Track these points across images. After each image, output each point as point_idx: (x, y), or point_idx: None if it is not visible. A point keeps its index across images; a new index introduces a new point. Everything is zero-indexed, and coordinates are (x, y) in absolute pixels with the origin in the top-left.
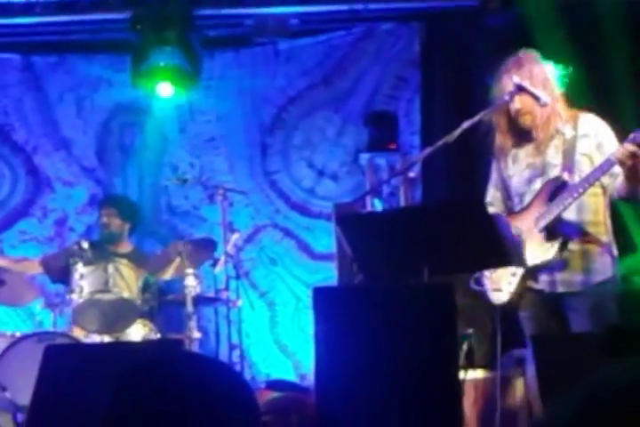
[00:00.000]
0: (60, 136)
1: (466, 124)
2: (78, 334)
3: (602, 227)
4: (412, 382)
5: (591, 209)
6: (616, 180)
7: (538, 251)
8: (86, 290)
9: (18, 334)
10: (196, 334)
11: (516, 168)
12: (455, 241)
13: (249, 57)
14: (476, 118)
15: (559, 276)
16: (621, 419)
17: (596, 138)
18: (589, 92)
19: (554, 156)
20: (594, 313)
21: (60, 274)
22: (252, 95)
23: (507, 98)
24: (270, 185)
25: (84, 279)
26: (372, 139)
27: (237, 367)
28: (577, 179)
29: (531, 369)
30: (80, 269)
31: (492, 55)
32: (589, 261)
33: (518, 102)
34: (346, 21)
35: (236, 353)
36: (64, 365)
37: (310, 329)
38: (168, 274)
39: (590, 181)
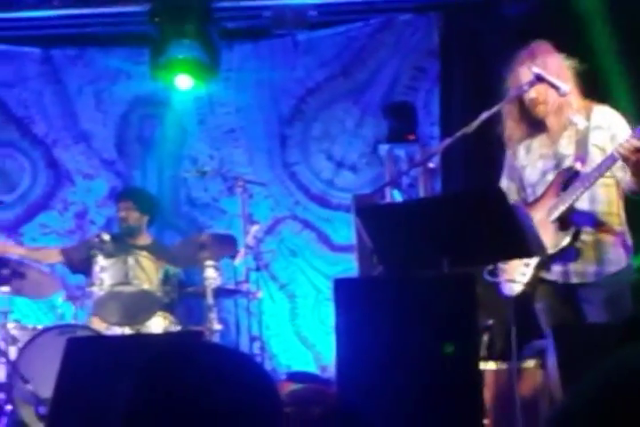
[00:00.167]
0: (80, 129)
1: (485, 115)
2: (99, 326)
3: (615, 217)
4: (433, 373)
5: (604, 200)
6: (626, 174)
7: (551, 241)
8: (107, 282)
9: (39, 327)
10: (217, 326)
11: (530, 158)
12: (475, 232)
13: (267, 49)
14: (495, 109)
15: (572, 266)
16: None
17: (609, 130)
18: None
19: (566, 146)
20: (608, 304)
21: (80, 265)
22: (270, 87)
23: (526, 88)
24: (290, 177)
25: (105, 272)
26: (391, 130)
27: (258, 359)
28: (589, 170)
29: (551, 360)
30: (101, 261)
31: (511, 45)
32: (603, 251)
33: (534, 92)
34: (364, 12)
35: (257, 345)
36: (86, 357)
37: (330, 321)
38: (188, 265)
39: (601, 170)
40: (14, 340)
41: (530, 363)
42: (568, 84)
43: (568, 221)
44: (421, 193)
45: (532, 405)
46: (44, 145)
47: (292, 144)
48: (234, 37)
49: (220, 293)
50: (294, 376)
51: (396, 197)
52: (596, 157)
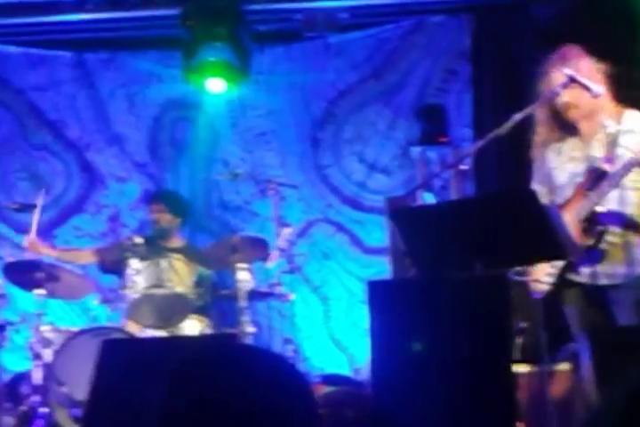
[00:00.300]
0: (113, 132)
1: (517, 117)
2: (133, 329)
3: None
4: (467, 375)
5: (634, 202)
6: None
7: (580, 241)
8: (140, 285)
9: (74, 330)
10: (250, 329)
11: (560, 161)
12: (508, 233)
13: (299, 51)
14: (528, 110)
15: (600, 268)
16: None
17: None
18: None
19: (598, 149)
20: (638, 306)
21: (112, 266)
22: (302, 89)
23: (558, 90)
24: (322, 179)
25: (139, 275)
26: (423, 132)
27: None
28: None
29: (585, 363)
30: (134, 264)
31: (542, 47)
32: (631, 252)
33: (567, 95)
34: (395, 15)
35: (290, 348)
36: (120, 359)
37: (364, 323)
38: (221, 268)
39: (626, 169)
40: (49, 342)
41: (563, 365)
42: (600, 87)
43: (595, 221)
44: (453, 195)
45: (565, 407)
46: (77, 148)
47: (324, 147)
48: (265, 40)
49: (254, 295)
50: (328, 379)
51: (429, 199)
52: (625, 160)
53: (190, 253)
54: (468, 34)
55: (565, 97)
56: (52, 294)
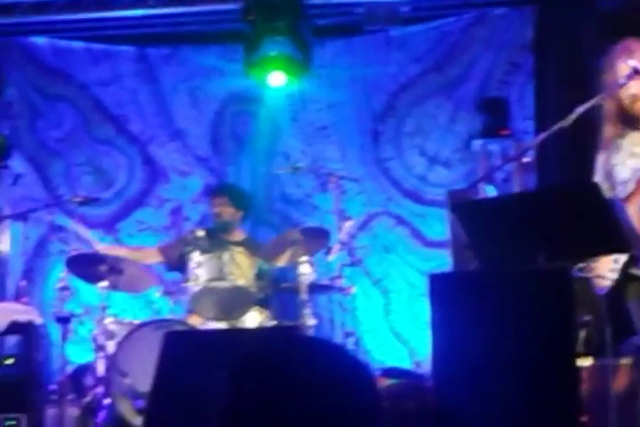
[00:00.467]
0: (175, 126)
1: (581, 109)
2: (195, 321)
3: None
4: (530, 368)
5: None
6: None
7: None
8: (202, 278)
9: (136, 322)
10: (311, 322)
11: (621, 157)
12: (571, 226)
13: (360, 45)
14: (591, 103)
15: None
16: None
17: None
18: None
19: None
20: None
21: (176, 263)
22: (363, 83)
23: (623, 81)
24: (383, 172)
25: (201, 267)
26: (485, 125)
27: None
28: None
29: None
30: (196, 257)
31: (605, 38)
32: None
33: (634, 88)
34: (457, 7)
35: (351, 341)
36: (183, 351)
37: (424, 316)
38: (282, 261)
39: None
40: (112, 334)
41: (626, 360)
42: None
43: None
44: (516, 188)
45: (626, 401)
46: (140, 142)
47: (385, 140)
48: (326, 34)
49: (314, 288)
50: (389, 372)
51: (490, 192)
52: None
53: (252, 247)
54: (530, 26)
55: (632, 89)
56: (114, 287)
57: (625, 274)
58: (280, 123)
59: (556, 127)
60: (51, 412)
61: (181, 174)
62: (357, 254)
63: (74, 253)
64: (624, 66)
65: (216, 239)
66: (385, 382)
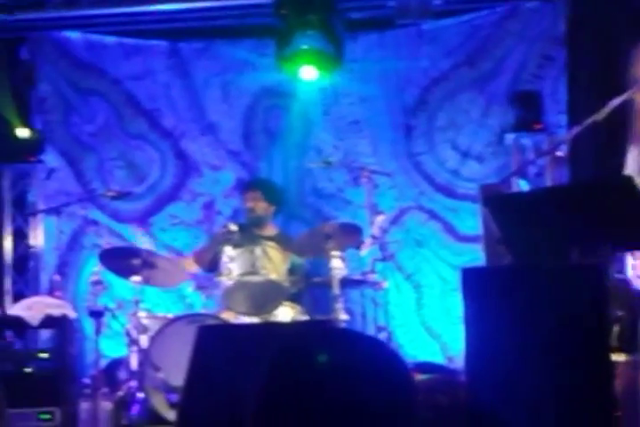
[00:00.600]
0: (207, 121)
1: (614, 103)
2: (227, 315)
3: None
4: (563, 363)
5: None
6: None
7: None
8: (235, 272)
9: (170, 316)
10: (343, 316)
11: None
12: (604, 221)
13: (392, 39)
14: (624, 97)
15: None
16: None
17: None
18: None
19: None
20: None
21: (212, 264)
22: (395, 77)
23: None
24: (415, 167)
25: (233, 262)
26: (518, 119)
27: None
28: None
29: None
30: (228, 251)
31: (638, 32)
32: None
33: None
34: (489, 1)
35: (383, 335)
36: (216, 345)
37: (457, 311)
38: (314, 256)
39: None
40: (145, 329)
41: None
42: None
43: None
44: (548, 182)
45: None
46: (173, 137)
47: (417, 134)
48: (358, 28)
49: (347, 283)
50: (421, 366)
51: (523, 186)
52: None
53: (283, 241)
54: (562, 19)
55: None
56: (147, 281)
57: None
58: (312, 117)
59: (589, 121)
60: (84, 406)
61: (213, 169)
62: (389, 249)
63: (107, 246)
64: None
65: (248, 234)
66: (417, 377)
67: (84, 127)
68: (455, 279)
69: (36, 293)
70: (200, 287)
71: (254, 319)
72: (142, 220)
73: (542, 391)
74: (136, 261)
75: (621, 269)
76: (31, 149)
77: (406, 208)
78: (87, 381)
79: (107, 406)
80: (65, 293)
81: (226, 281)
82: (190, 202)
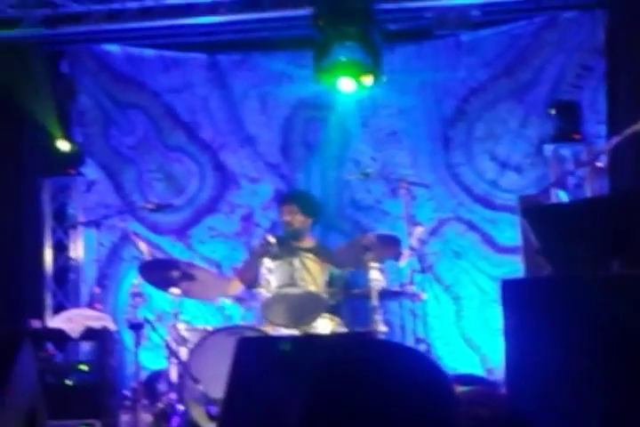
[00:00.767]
0: (245, 133)
1: None
2: (266, 327)
3: None
4: (605, 375)
5: None
6: None
7: None
8: (273, 284)
9: (209, 328)
10: (382, 328)
11: None
12: None
13: (430, 50)
14: None
15: None
16: None
17: None
18: None
19: None
20: None
21: (255, 280)
22: (433, 88)
23: None
24: (453, 178)
25: (272, 274)
26: (557, 129)
27: None
28: None
29: None
30: (267, 263)
31: None
32: None
33: None
34: (527, 11)
35: (422, 347)
36: (255, 357)
37: (496, 323)
38: (353, 267)
39: None
40: (185, 341)
41: None
42: None
43: None
44: (588, 193)
45: None
46: (211, 149)
47: (455, 145)
48: (396, 39)
49: (385, 295)
50: (461, 378)
51: (562, 197)
52: None
53: (322, 253)
54: (601, 29)
55: None
56: (186, 294)
57: None
58: (350, 128)
59: (628, 131)
60: (125, 418)
61: (252, 181)
62: (428, 260)
63: (146, 259)
64: None
65: (287, 246)
66: (457, 389)
67: (123, 140)
68: (494, 291)
69: (76, 305)
70: (239, 299)
71: (293, 331)
72: (181, 232)
73: (583, 404)
74: (175, 274)
75: None
76: (71, 162)
77: (445, 219)
78: (127, 393)
79: (147, 418)
80: (105, 305)
81: (264, 293)
82: (229, 214)
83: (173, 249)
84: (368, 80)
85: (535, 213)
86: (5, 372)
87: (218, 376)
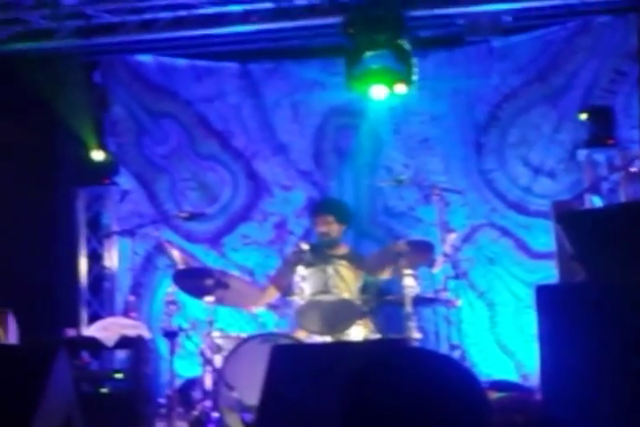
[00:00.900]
0: (278, 141)
1: None
2: (300, 335)
3: None
4: None
5: None
6: None
7: None
8: (307, 292)
9: (243, 336)
10: (416, 335)
11: None
12: None
13: (462, 56)
14: None
15: None
16: None
17: None
18: None
19: None
20: None
21: (289, 288)
22: (465, 94)
23: None
24: (486, 184)
25: (305, 281)
26: (590, 134)
27: None
28: None
29: None
30: (301, 271)
31: None
32: None
33: None
34: (560, 16)
35: (457, 354)
36: (290, 365)
37: (531, 329)
38: (386, 274)
39: None
40: (219, 348)
41: None
42: None
43: None
44: (622, 198)
45: None
46: (244, 158)
47: (488, 151)
48: (428, 46)
49: (419, 301)
50: (496, 385)
51: (597, 203)
52: None
53: (355, 260)
54: (635, 33)
55: None
56: (220, 302)
57: None
58: (382, 136)
59: None
60: (160, 425)
61: (285, 188)
62: (462, 267)
63: (180, 267)
64: None
65: (320, 253)
66: (492, 395)
67: (156, 149)
68: (529, 297)
69: (111, 313)
70: (273, 307)
71: (327, 338)
72: (215, 240)
73: (620, 411)
74: (209, 282)
75: None
76: (105, 172)
77: (478, 226)
78: (162, 401)
79: (182, 425)
80: (139, 313)
81: (298, 300)
82: (262, 222)
83: (207, 257)
84: (400, 87)
85: (569, 218)
86: (42, 380)
87: (252, 383)
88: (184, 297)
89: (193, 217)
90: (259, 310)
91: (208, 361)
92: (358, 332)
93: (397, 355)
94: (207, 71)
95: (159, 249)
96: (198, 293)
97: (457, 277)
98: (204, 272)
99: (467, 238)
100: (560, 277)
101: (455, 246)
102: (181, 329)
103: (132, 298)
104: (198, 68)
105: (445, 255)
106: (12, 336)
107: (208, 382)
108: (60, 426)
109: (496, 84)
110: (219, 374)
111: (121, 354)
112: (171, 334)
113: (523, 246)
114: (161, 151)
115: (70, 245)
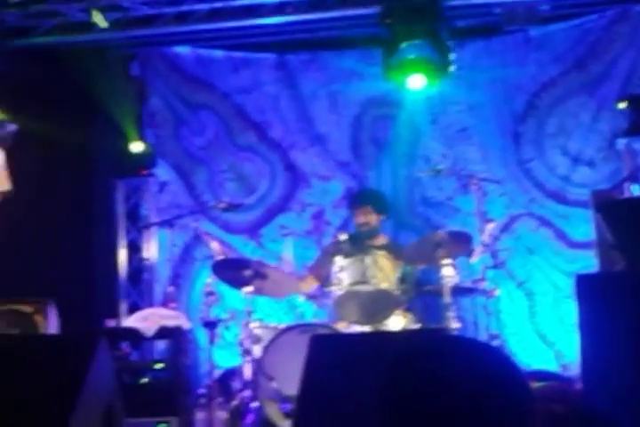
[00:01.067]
0: (315, 132)
1: None
2: (339, 325)
3: None
4: None
5: None
6: None
7: None
8: (345, 282)
9: (281, 326)
10: (455, 325)
11: None
12: None
13: (499, 45)
14: None
15: None
16: None
17: None
18: None
19: None
20: None
21: (327, 278)
22: (503, 83)
23: None
24: (525, 173)
25: (344, 271)
26: (630, 123)
27: None
28: None
29: None
30: (339, 261)
31: None
32: None
33: None
34: (598, 4)
35: (496, 343)
36: (329, 354)
37: (571, 319)
38: (425, 264)
39: None
40: (258, 339)
41: None
42: None
43: None
44: None
45: None
46: (281, 148)
47: (526, 141)
48: (465, 35)
49: (458, 291)
50: (535, 375)
51: (636, 191)
52: None
53: (394, 250)
54: None
55: None
56: (259, 292)
57: None
58: (420, 126)
59: None
60: (200, 415)
61: (322, 179)
62: (500, 257)
63: (219, 258)
64: None
65: (358, 243)
66: (532, 385)
67: (193, 140)
68: (568, 286)
69: (150, 304)
70: (311, 297)
71: (366, 328)
72: (253, 231)
73: None
74: (247, 272)
75: None
76: (144, 163)
77: (517, 215)
78: (202, 391)
79: (222, 415)
80: (179, 304)
81: (336, 291)
82: (300, 213)
83: (245, 248)
84: (437, 77)
85: (609, 207)
86: (83, 370)
87: (291, 374)
88: (223, 288)
89: (231, 208)
90: (297, 300)
91: (247, 351)
92: (397, 322)
93: (437, 343)
94: (244, 62)
95: (198, 240)
96: (237, 283)
97: (495, 266)
98: (242, 263)
99: (505, 228)
100: (600, 267)
101: (494, 236)
102: (220, 320)
103: (171, 289)
104: (235, 60)
105: (484, 245)
106: (53, 326)
107: (247, 373)
108: (101, 416)
109: (533, 73)
110: (258, 365)
111: (160, 345)
112: (210, 325)
113: (562, 236)
114: (199, 143)
115: (109, 236)
